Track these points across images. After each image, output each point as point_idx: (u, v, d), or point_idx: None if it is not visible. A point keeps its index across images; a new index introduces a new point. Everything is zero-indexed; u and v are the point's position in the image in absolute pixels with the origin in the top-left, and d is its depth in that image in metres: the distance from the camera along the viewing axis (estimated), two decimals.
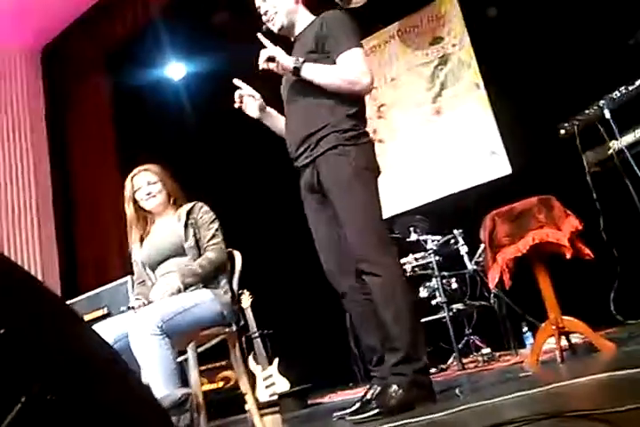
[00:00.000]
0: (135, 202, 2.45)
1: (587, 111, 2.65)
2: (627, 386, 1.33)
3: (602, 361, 2.12)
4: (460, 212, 4.09)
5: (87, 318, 3.30)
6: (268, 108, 2.37)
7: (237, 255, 2.50)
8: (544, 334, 2.37)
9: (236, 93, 2.30)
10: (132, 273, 2.64)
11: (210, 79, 4.97)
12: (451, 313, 3.53)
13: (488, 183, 4.34)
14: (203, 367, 3.68)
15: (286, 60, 2.09)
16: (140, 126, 5.46)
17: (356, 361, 4.07)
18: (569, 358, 2.37)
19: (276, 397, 3.74)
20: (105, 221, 5.31)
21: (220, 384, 4.11)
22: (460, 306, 3.64)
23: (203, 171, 5.06)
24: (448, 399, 1.92)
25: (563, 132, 2.74)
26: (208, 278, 2.29)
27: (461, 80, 4.64)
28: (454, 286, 3.73)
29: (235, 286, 2.40)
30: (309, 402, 3.65)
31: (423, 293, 3.74)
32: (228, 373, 4.07)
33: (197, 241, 2.36)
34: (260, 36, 2.16)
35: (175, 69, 5.59)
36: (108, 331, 2.07)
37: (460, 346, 3.51)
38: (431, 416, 1.51)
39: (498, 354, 3.40)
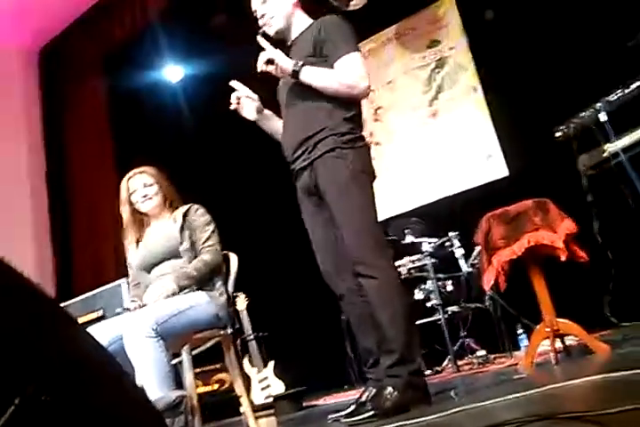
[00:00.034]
0: (131, 204, 2.45)
1: (583, 114, 2.66)
2: (621, 388, 1.34)
3: (596, 363, 2.13)
4: (455, 214, 4.10)
5: (82, 320, 3.29)
6: (266, 111, 2.37)
7: (233, 257, 2.50)
8: (539, 336, 2.37)
9: (233, 95, 2.30)
10: (127, 275, 2.64)
11: (207, 82, 4.97)
12: (446, 315, 3.54)
13: (484, 186, 4.35)
14: (197, 370, 3.65)
15: (285, 63, 2.10)
16: (136, 128, 5.46)
17: (351, 363, 4.07)
18: (563, 360, 2.37)
19: (271, 399, 3.73)
20: (101, 223, 5.30)
21: (215, 387, 4.10)
22: (455, 308, 3.64)
23: (199, 173, 5.06)
24: (443, 401, 1.92)
25: (559, 134, 2.75)
26: (203, 281, 2.29)
27: (458, 83, 4.66)
28: (449, 288, 3.74)
29: (230, 289, 2.40)
30: (304, 404, 3.65)
31: (418, 295, 3.74)
32: (222, 375, 4.06)
33: (193, 243, 2.35)
34: (259, 38, 2.17)
35: (172, 72, 5.59)
36: (102, 333, 2.06)
37: (454, 348, 3.51)
38: (426, 418, 1.52)
39: (493, 356, 3.40)
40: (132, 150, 5.24)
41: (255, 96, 2.33)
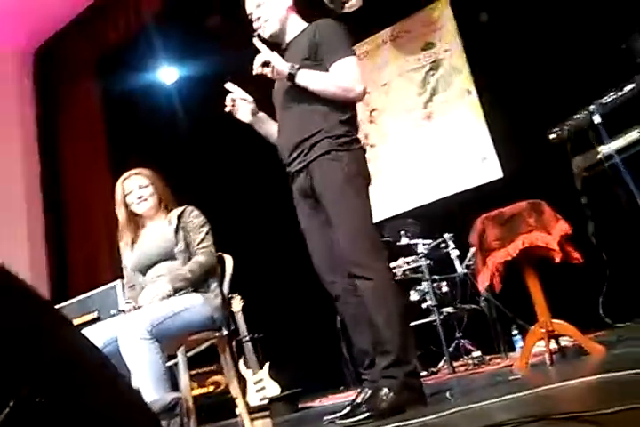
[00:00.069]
0: (126, 206, 2.44)
1: (577, 116, 2.68)
2: (615, 388, 1.34)
3: (591, 364, 2.13)
4: (450, 215, 4.11)
5: (77, 321, 3.28)
6: (260, 113, 2.37)
7: (228, 259, 2.50)
8: (534, 337, 2.38)
9: (228, 97, 2.30)
10: (122, 277, 2.63)
11: (201, 83, 4.97)
12: (441, 316, 3.54)
13: (479, 187, 4.36)
14: (193, 372, 3.66)
15: (282, 66, 2.10)
16: (131, 130, 5.45)
17: (347, 365, 4.06)
18: (558, 360, 2.38)
19: (266, 401, 3.73)
20: (95, 225, 5.28)
21: (211, 389, 4.09)
22: (450, 309, 3.65)
23: (194, 175, 5.06)
24: (439, 402, 1.93)
25: (553, 137, 2.76)
26: (198, 282, 2.29)
27: (452, 86, 4.67)
28: (445, 289, 3.75)
29: (225, 290, 2.40)
30: (300, 406, 3.65)
31: (414, 296, 3.75)
32: (218, 377, 4.05)
33: (188, 245, 2.35)
34: (255, 40, 2.17)
35: (167, 73, 5.58)
36: (97, 335, 2.05)
37: (450, 349, 3.52)
38: (422, 419, 1.52)
39: (488, 357, 3.41)
40: (127, 152, 5.23)
41: (250, 98, 2.33)
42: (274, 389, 3.78)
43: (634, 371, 1.33)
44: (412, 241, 3.81)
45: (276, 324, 4.41)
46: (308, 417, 3.09)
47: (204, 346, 2.38)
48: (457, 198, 4.41)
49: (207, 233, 2.39)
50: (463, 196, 4.39)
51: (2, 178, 5.32)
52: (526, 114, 3.85)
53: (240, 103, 2.31)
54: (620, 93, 2.56)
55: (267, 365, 3.90)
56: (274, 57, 2.10)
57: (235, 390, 2.37)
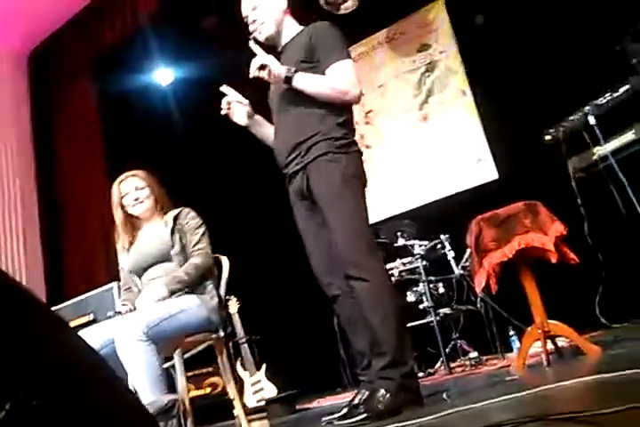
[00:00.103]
0: (122, 207, 2.44)
1: (572, 118, 2.69)
2: (612, 388, 1.34)
3: (588, 364, 2.14)
4: (446, 217, 4.12)
5: (73, 324, 3.28)
6: (256, 116, 2.37)
7: (225, 261, 2.49)
8: (530, 337, 2.38)
9: (224, 100, 2.30)
10: (118, 279, 2.63)
11: (197, 85, 4.96)
12: (438, 318, 3.55)
13: (475, 189, 4.37)
14: (190, 373, 3.66)
15: (278, 69, 2.10)
16: (127, 132, 5.44)
17: (344, 366, 4.07)
18: (555, 361, 2.38)
19: (263, 402, 3.72)
20: (92, 227, 5.27)
21: (208, 390, 4.08)
22: (447, 310, 3.65)
23: (190, 177, 5.05)
24: (436, 403, 1.92)
25: (548, 138, 2.77)
26: (194, 284, 2.28)
27: (448, 87, 4.68)
28: (441, 290, 3.76)
29: (222, 292, 2.40)
30: (297, 407, 3.64)
31: (410, 297, 3.75)
32: (215, 379, 4.04)
33: (184, 247, 2.35)
34: (251, 44, 2.17)
35: (163, 75, 5.58)
36: (93, 337, 2.05)
37: (447, 350, 3.52)
38: (419, 420, 1.52)
39: (485, 358, 3.42)
40: (123, 154, 5.21)
41: (246, 101, 2.33)
42: (271, 390, 3.78)
43: (630, 371, 1.33)
44: (409, 242, 3.82)
45: (273, 325, 4.41)
46: (306, 419, 3.08)
47: (200, 348, 2.37)
48: (453, 200, 4.42)
49: (203, 235, 2.38)
50: (459, 197, 4.40)
51: None
52: (521, 115, 3.86)
53: (236, 106, 2.31)
54: (614, 95, 2.57)
55: (264, 366, 3.90)
56: (270, 60, 2.10)
57: (232, 392, 2.37)
